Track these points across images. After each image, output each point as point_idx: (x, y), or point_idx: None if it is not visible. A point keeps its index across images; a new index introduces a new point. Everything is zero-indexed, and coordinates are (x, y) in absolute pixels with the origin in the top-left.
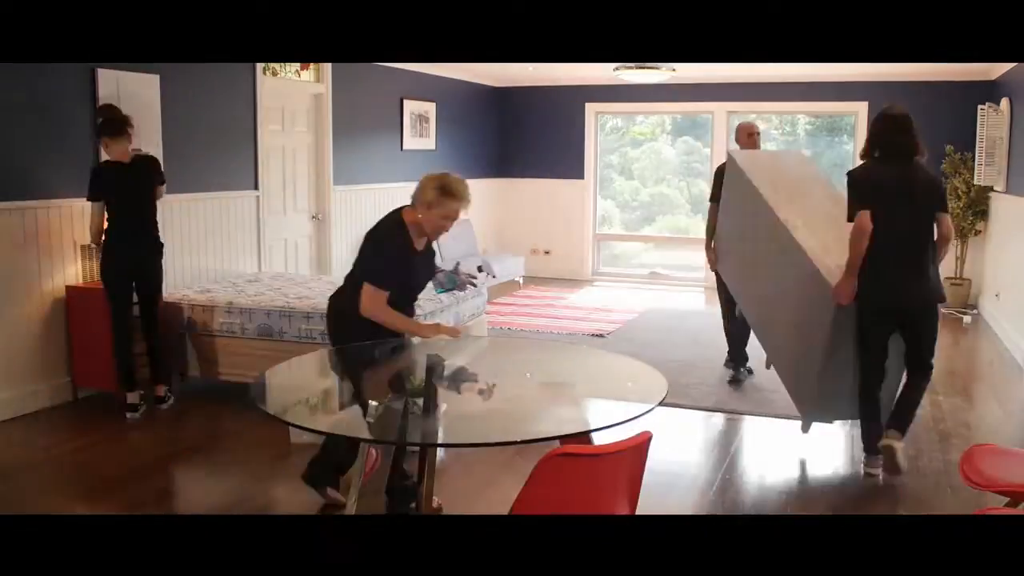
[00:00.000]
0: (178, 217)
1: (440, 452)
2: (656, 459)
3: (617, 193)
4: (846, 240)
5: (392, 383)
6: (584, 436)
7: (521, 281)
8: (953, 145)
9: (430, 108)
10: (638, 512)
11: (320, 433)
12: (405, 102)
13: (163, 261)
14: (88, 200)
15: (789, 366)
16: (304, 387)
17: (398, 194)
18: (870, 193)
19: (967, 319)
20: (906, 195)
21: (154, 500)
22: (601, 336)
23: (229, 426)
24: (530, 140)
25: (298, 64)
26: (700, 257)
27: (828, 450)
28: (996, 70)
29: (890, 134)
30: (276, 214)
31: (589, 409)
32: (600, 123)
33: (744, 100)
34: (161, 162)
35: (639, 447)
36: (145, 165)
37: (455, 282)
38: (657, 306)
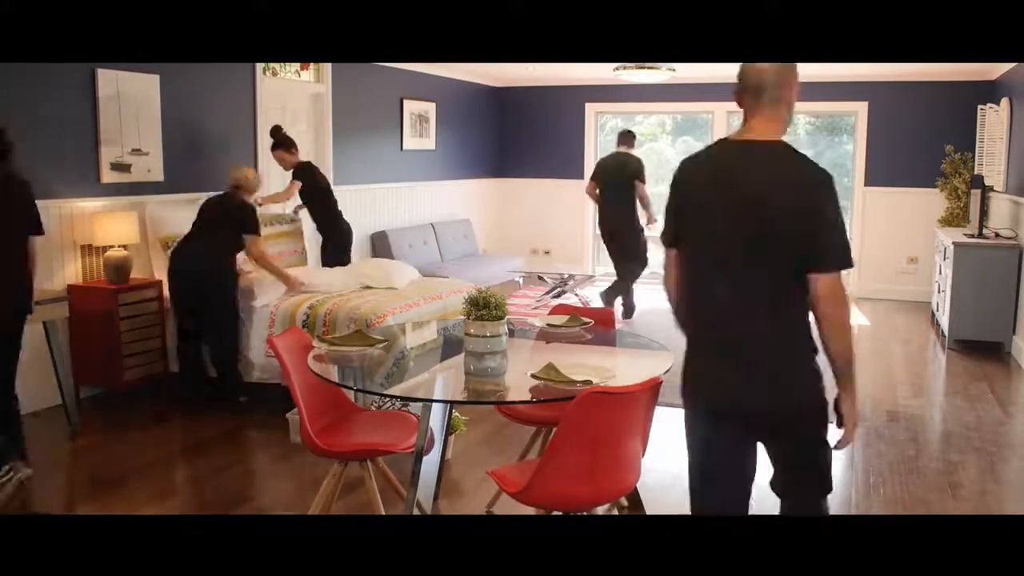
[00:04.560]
0: (178, 216)
1: (438, 453)
2: (656, 459)
3: None
4: None
5: None
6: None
7: (521, 281)
8: (953, 145)
9: (430, 108)
10: (636, 510)
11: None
12: (405, 102)
13: None
14: None
15: None
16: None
17: (398, 194)
18: None
19: None
20: None
21: (154, 500)
22: None
23: (228, 426)
24: (530, 140)
25: (298, 64)
26: None
27: None
28: (996, 70)
29: None
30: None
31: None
32: (600, 123)
33: None
34: (161, 162)
35: (653, 389)
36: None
37: None
38: (657, 306)
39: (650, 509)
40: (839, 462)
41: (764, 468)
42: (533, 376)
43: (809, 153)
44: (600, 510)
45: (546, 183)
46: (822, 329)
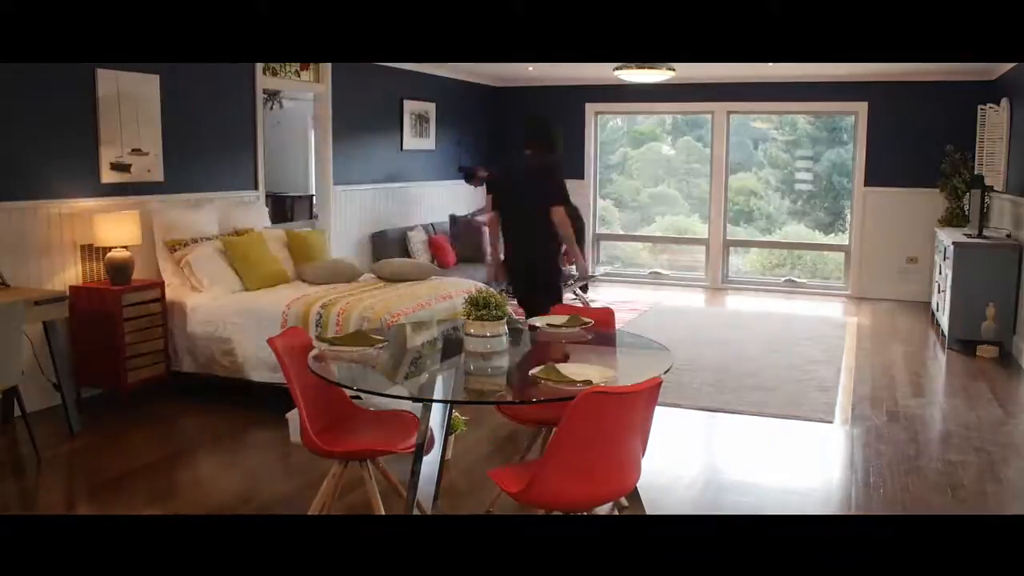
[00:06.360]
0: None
1: (437, 452)
2: (656, 459)
3: (617, 193)
4: None
5: None
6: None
7: None
8: (953, 145)
9: (430, 108)
10: (636, 510)
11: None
12: (405, 102)
13: None
14: None
15: None
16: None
17: (398, 194)
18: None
19: None
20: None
21: (154, 500)
22: None
23: (229, 426)
24: None
25: (298, 64)
26: (700, 257)
27: (827, 450)
28: (996, 70)
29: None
30: None
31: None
32: (600, 123)
33: (744, 100)
34: (161, 162)
35: (653, 389)
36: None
37: None
38: (657, 306)
39: (650, 509)
40: (839, 463)
41: (765, 469)
42: (533, 376)
43: (808, 153)
44: (600, 510)
45: None
46: None
